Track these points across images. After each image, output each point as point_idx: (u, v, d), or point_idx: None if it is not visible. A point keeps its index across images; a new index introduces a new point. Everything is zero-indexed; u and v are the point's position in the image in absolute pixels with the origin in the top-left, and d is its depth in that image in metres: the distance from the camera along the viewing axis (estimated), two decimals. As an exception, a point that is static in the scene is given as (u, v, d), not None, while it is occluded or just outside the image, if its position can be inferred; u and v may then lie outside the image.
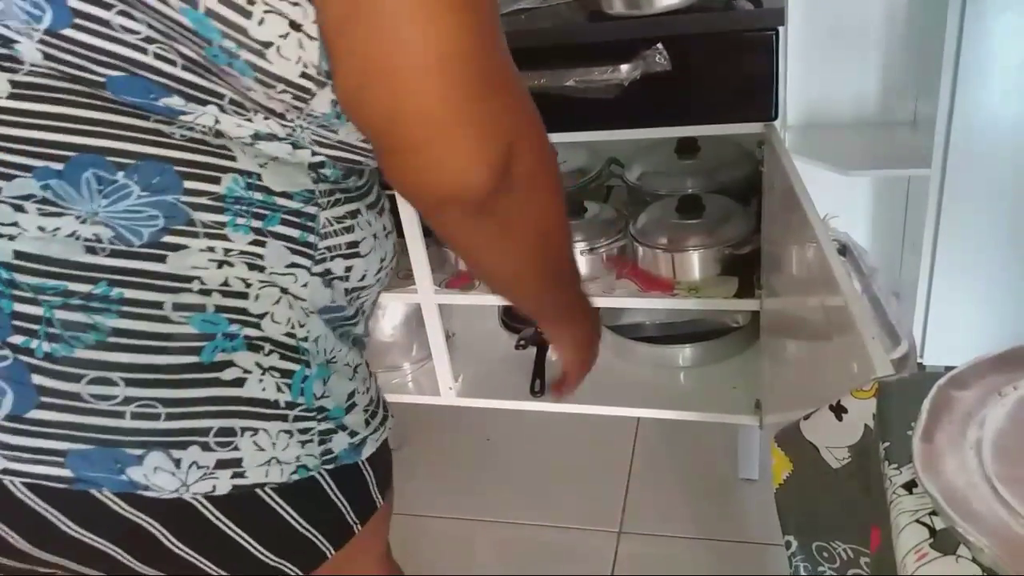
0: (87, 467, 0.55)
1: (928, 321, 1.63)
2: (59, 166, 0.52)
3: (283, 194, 0.58)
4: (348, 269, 0.64)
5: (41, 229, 0.52)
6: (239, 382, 0.57)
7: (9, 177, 0.52)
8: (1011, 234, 1.51)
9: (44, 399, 0.53)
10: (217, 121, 0.55)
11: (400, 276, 1.42)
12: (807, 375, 0.99)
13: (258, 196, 0.57)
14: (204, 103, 0.54)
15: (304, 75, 0.53)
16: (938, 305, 1.61)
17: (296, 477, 0.62)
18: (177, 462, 0.56)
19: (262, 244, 0.57)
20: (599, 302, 1.48)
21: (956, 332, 1.62)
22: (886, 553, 0.53)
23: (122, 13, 0.50)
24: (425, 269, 1.41)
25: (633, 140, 1.40)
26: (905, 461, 0.53)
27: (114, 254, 0.53)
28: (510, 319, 1.73)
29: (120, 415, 0.54)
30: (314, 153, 0.59)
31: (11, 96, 0.52)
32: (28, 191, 0.52)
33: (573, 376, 0.87)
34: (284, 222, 0.58)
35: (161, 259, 0.54)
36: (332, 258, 0.62)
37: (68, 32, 0.51)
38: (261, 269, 0.58)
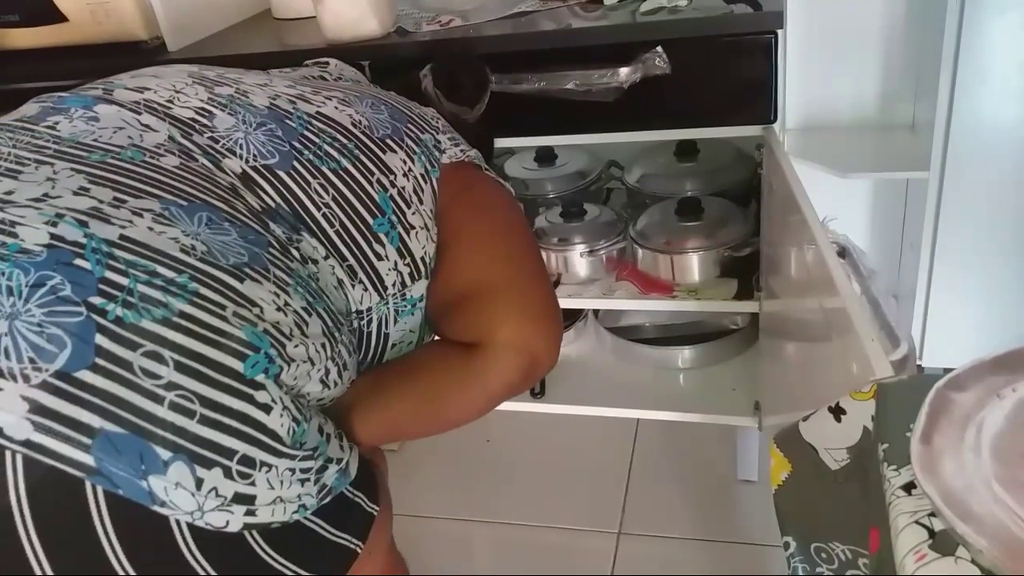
0: (112, 458, 0.55)
1: (927, 323, 1.63)
2: (184, 203, 0.65)
3: (329, 297, 0.72)
4: (331, 385, 0.70)
5: (150, 229, 0.61)
6: (267, 408, 0.61)
7: (139, 197, 0.64)
8: (1010, 236, 1.51)
9: (98, 360, 0.55)
10: (332, 271, 0.74)
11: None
12: (806, 377, 1.00)
13: (315, 285, 0.71)
14: (330, 255, 0.73)
15: (423, 259, 0.80)
16: (937, 307, 1.61)
17: (296, 516, 0.64)
18: (199, 482, 0.58)
19: (309, 314, 0.67)
20: (599, 304, 1.48)
21: (955, 334, 1.62)
22: (885, 554, 0.54)
23: (322, 186, 0.75)
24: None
25: (633, 143, 1.40)
26: (904, 463, 0.53)
27: (203, 260, 0.62)
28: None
29: (159, 400, 0.56)
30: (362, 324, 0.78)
31: (177, 167, 0.68)
32: (150, 207, 0.63)
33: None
34: (327, 311, 0.70)
35: (240, 279, 0.63)
36: (334, 364, 0.69)
37: (282, 174, 0.73)
38: (304, 333, 0.66)
